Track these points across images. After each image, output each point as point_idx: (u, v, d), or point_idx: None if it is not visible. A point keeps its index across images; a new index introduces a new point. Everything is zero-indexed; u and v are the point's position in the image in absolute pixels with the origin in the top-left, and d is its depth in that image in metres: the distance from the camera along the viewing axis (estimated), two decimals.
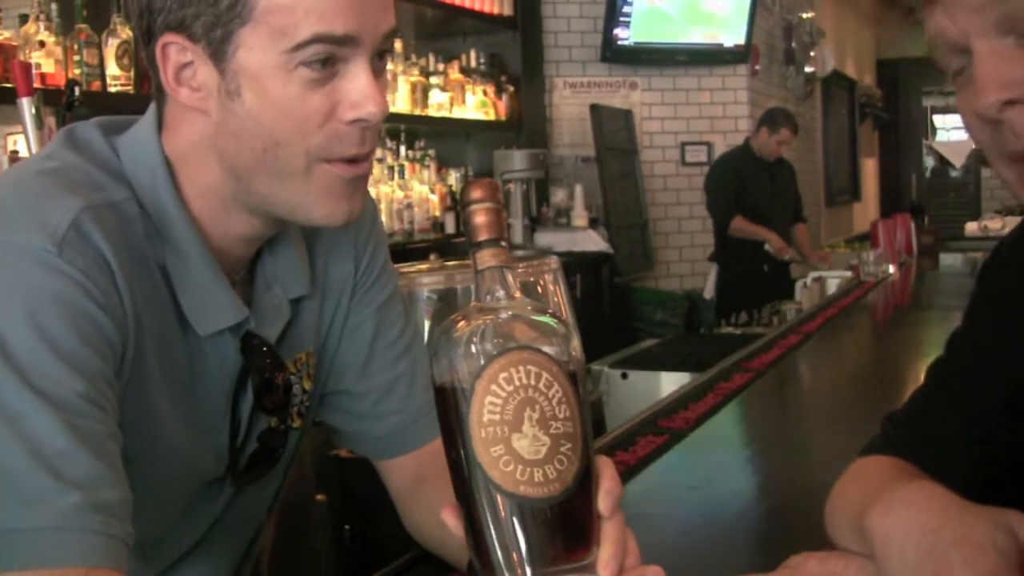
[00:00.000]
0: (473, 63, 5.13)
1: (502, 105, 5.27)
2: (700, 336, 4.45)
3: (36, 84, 2.43)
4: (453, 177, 4.94)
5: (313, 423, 1.14)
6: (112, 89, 2.89)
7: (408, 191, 4.53)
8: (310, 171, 0.89)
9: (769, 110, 5.46)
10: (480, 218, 0.78)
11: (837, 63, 8.69)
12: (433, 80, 4.76)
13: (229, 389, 0.99)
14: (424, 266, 1.93)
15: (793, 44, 7.46)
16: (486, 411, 0.74)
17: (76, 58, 2.81)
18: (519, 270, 1.72)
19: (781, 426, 2.01)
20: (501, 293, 0.78)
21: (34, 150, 2.21)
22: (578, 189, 5.47)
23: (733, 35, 6.17)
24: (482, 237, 0.78)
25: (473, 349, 0.75)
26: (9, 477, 0.74)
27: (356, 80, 0.87)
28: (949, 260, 5.59)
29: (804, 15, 7.65)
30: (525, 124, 5.45)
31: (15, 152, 2.81)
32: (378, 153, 4.33)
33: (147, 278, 0.90)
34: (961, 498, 0.74)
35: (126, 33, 2.88)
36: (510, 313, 0.77)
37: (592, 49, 5.87)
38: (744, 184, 5.24)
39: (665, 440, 1.63)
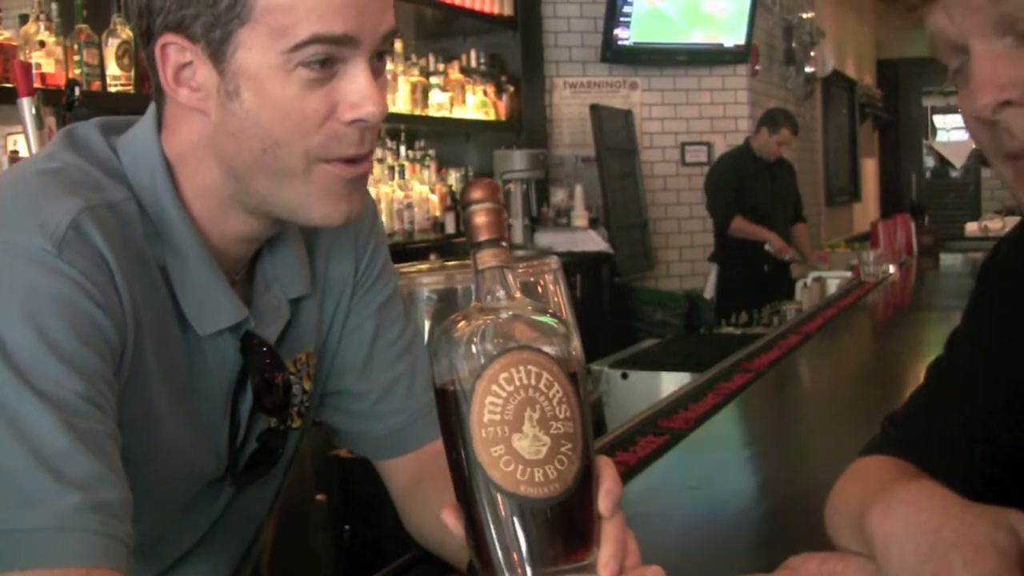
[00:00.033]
0: (473, 63, 5.13)
1: (502, 105, 5.27)
2: (700, 336, 4.45)
3: (36, 84, 2.43)
4: (453, 177, 4.94)
5: (313, 423, 1.14)
6: (112, 89, 2.89)
7: (408, 191, 4.53)
8: (309, 171, 0.89)
9: (769, 110, 5.46)
10: (480, 218, 0.78)
11: (837, 63, 8.69)
12: (433, 80, 4.76)
13: (228, 389, 0.99)
14: (424, 266, 1.93)
15: (793, 44, 7.46)
16: (486, 411, 0.74)
17: (76, 58, 2.81)
18: (519, 270, 1.72)
19: (781, 426, 2.01)
20: (501, 293, 0.78)
21: (34, 150, 2.21)
22: (578, 189, 5.48)
23: (733, 35, 6.17)
24: (482, 237, 0.78)
25: (473, 349, 0.75)
26: (9, 477, 0.74)
27: (355, 80, 0.87)
28: (949, 260, 5.59)
29: (804, 15, 7.65)
30: (525, 124, 5.45)
31: (15, 152, 2.81)
32: (378, 153, 4.33)
33: (146, 278, 0.90)
34: (962, 498, 0.74)
35: (126, 33, 2.88)
36: (510, 313, 0.77)
37: (592, 49, 5.87)
38: (744, 184, 5.24)
39: (665, 440, 1.63)
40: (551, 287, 1.74)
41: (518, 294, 0.79)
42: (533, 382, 0.74)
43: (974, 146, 0.78)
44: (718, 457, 1.68)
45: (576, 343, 0.79)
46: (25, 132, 2.25)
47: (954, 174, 12.63)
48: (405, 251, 4.15)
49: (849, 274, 4.53)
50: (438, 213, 4.70)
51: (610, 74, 5.99)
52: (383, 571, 1.12)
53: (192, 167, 0.93)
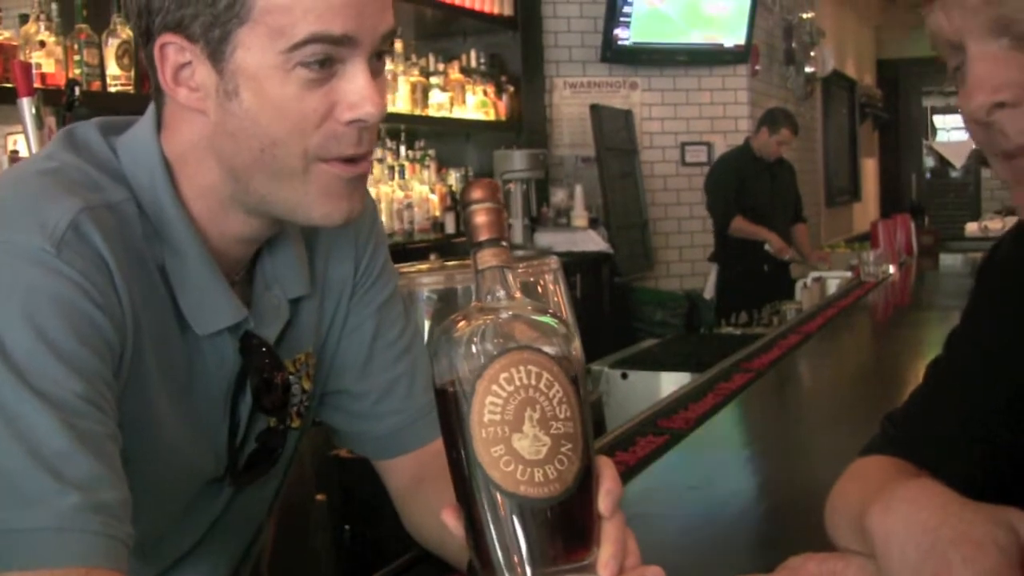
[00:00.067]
0: (473, 63, 5.14)
1: (502, 105, 5.27)
2: (700, 336, 4.45)
3: (36, 84, 2.43)
4: (453, 177, 4.95)
5: (313, 423, 1.14)
6: (112, 89, 2.89)
7: (408, 191, 4.53)
8: (308, 171, 0.89)
9: (769, 110, 5.46)
10: (480, 218, 0.78)
11: (837, 63, 8.69)
12: (433, 80, 4.76)
13: (228, 389, 0.99)
14: (424, 266, 1.93)
15: (793, 44, 7.46)
16: (487, 411, 0.74)
17: (76, 58, 2.81)
18: (519, 270, 1.72)
19: (781, 426, 2.01)
20: (501, 293, 0.78)
21: (34, 150, 2.21)
22: (578, 189, 5.48)
23: (733, 35, 6.17)
24: (483, 237, 0.78)
25: (473, 349, 0.75)
26: (9, 477, 0.74)
27: (354, 80, 0.87)
28: (949, 260, 5.59)
29: (804, 15, 7.65)
30: (525, 124, 5.45)
31: (15, 152, 2.81)
32: (378, 153, 4.33)
33: (146, 278, 0.89)
34: (961, 496, 0.74)
35: (126, 33, 2.88)
36: (510, 313, 0.77)
37: (592, 49, 5.87)
38: (744, 184, 5.24)
39: (665, 440, 1.63)
40: (551, 287, 1.75)
41: (518, 294, 0.79)
42: (533, 382, 0.74)
43: (974, 146, 0.78)
44: (718, 457, 1.68)
45: (576, 343, 0.79)
46: (25, 132, 2.25)
47: (954, 174, 12.63)
48: (405, 251, 4.15)
49: (849, 274, 4.53)
50: (438, 213, 4.70)
51: (610, 74, 5.99)
52: (383, 571, 1.12)
53: (192, 167, 0.93)
